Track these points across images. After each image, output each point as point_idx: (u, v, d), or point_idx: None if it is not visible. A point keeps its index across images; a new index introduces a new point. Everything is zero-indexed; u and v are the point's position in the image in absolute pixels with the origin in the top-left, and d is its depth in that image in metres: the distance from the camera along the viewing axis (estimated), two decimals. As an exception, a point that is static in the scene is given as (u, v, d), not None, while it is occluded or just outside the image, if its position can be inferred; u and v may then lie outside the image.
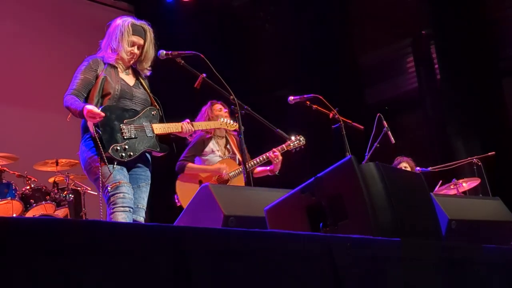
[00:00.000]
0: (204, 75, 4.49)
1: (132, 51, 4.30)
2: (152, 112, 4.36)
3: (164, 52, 4.34)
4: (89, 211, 6.86)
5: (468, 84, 9.76)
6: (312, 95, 5.43)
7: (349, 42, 11.83)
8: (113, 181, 3.98)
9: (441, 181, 7.36)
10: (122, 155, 4.07)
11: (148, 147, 4.23)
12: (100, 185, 3.98)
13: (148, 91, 4.39)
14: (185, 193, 5.55)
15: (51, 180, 6.91)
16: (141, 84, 4.41)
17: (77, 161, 6.95)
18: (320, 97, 5.40)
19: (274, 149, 5.49)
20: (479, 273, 3.14)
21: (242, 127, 4.27)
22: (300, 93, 5.58)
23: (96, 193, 7.03)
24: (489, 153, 7.43)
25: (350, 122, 5.52)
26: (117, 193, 3.92)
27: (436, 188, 7.22)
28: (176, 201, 5.60)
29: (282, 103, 6.16)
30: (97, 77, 4.20)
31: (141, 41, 4.33)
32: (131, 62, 4.36)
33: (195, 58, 4.42)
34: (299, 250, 2.24)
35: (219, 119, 5.22)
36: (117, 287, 1.68)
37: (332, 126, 5.45)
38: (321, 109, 5.42)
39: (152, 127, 4.27)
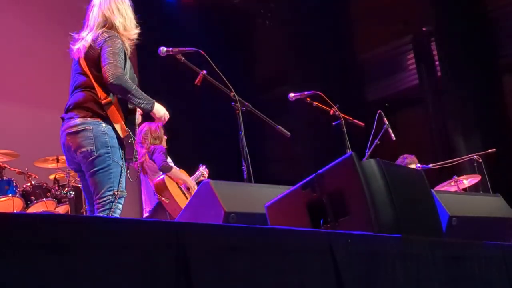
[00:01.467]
0: (204, 71, 4.49)
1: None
2: None
3: (165, 48, 4.33)
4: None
5: (468, 81, 9.76)
6: (312, 92, 5.43)
7: (350, 39, 11.83)
8: (122, 189, 3.73)
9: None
10: (135, 157, 3.90)
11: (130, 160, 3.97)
12: (101, 180, 3.69)
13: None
14: (175, 190, 5.86)
15: (51, 177, 6.91)
16: None
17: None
18: (321, 94, 5.40)
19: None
20: (479, 269, 3.15)
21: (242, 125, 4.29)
22: (300, 90, 5.58)
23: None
24: (490, 150, 7.44)
25: (351, 119, 5.52)
26: (120, 204, 3.67)
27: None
28: (163, 199, 5.70)
29: (282, 100, 6.16)
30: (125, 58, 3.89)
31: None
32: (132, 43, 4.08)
33: (196, 55, 4.42)
34: (299, 246, 2.24)
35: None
36: (119, 281, 1.69)
37: (333, 123, 5.44)
38: (322, 106, 5.42)
39: None
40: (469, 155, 7.55)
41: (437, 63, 10.86)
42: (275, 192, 3.45)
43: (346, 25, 11.81)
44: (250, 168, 4.15)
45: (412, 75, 11.60)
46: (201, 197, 3.35)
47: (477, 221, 4.10)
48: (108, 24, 3.91)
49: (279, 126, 4.58)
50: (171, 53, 4.35)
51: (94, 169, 3.70)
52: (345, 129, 5.31)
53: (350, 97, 10.31)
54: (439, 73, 10.86)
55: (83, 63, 3.89)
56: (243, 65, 11.50)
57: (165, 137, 6.24)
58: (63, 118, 3.88)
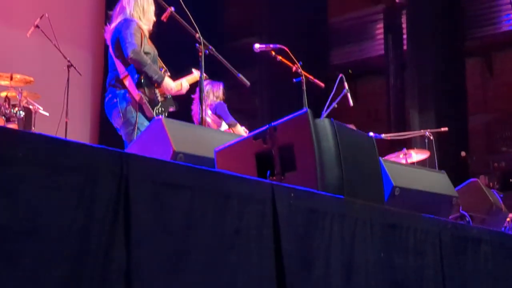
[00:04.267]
0: (172, 8, 4.42)
1: (153, 20, 4.82)
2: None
3: (137, -22, 4.26)
4: (38, 131, 6.75)
5: (432, 59, 9.87)
6: (278, 45, 5.40)
7: (323, 0, 11.78)
8: None
9: None
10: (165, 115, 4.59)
11: (170, 105, 4.77)
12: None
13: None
14: None
15: (3, 94, 6.75)
16: None
17: (32, 79, 6.81)
18: (286, 49, 5.37)
19: None
20: (414, 240, 3.22)
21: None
22: (267, 43, 5.55)
23: (48, 114, 6.92)
24: (442, 129, 7.58)
25: (312, 78, 5.52)
26: None
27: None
28: None
29: (247, 51, 6.12)
30: (141, 36, 4.65)
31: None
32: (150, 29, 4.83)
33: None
34: (241, 193, 2.25)
35: None
36: (55, 203, 1.67)
37: (294, 80, 5.44)
38: (285, 60, 5.40)
39: None
40: (422, 131, 7.69)
41: (404, 36, 10.93)
42: (227, 138, 3.45)
43: (322, -15, 11.74)
44: (204, 112, 4.14)
45: (378, 45, 11.67)
46: (152, 133, 3.32)
47: (419, 194, 4.19)
48: (125, 14, 4.70)
49: (240, 75, 4.56)
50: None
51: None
52: (305, 87, 5.32)
53: (315, 58, 10.31)
54: (405, 47, 10.94)
55: (110, 48, 4.73)
56: (212, 10, 11.34)
57: (223, 97, 6.81)
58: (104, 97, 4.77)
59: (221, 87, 6.79)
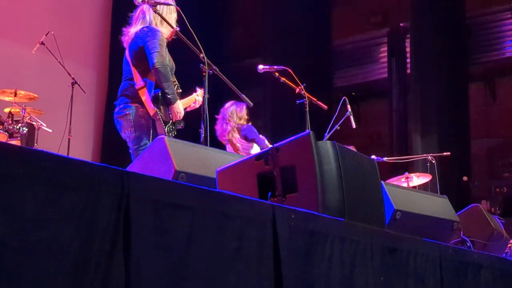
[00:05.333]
0: (177, 28, 4.45)
1: (175, 29, 4.59)
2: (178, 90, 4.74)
3: (141, -4, 4.29)
4: (41, 147, 6.76)
5: (435, 83, 9.88)
6: (282, 67, 5.42)
7: (327, 23, 11.84)
8: None
9: None
10: (174, 134, 4.51)
11: (178, 123, 4.64)
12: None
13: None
14: None
15: (6, 110, 6.78)
16: None
17: (36, 96, 6.84)
18: (290, 70, 5.39)
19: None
20: (415, 264, 3.21)
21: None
22: (271, 64, 5.57)
23: (51, 131, 6.94)
24: (445, 153, 7.59)
25: (315, 100, 5.53)
26: None
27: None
28: None
29: (251, 72, 6.14)
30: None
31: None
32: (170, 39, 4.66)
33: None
34: (242, 213, 2.25)
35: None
36: (55, 218, 1.67)
37: (297, 101, 5.45)
38: (289, 82, 5.42)
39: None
40: (424, 155, 7.69)
41: (408, 60, 10.96)
42: (229, 159, 3.46)
43: (326, 8, 11.81)
44: (208, 132, 4.14)
45: (382, 68, 11.71)
46: (154, 152, 3.32)
47: (420, 219, 4.17)
48: (145, 20, 4.54)
49: (243, 95, 4.57)
50: (146, 2, 4.30)
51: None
52: (308, 108, 5.33)
53: (318, 79, 10.36)
54: (408, 71, 10.97)
55: (127, 54, 4.58)
56: (218, 31, 11.41)
57: (247, 118, 6.70)
58: (115, 105, 4.61)
59: (245, 108, 6.71)
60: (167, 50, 4.54)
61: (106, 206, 1.82)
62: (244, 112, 6.68)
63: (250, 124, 6.67)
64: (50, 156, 1.68)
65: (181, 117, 4.56)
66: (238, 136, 6.53)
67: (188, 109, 4.84)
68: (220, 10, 11.86)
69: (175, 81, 4.69)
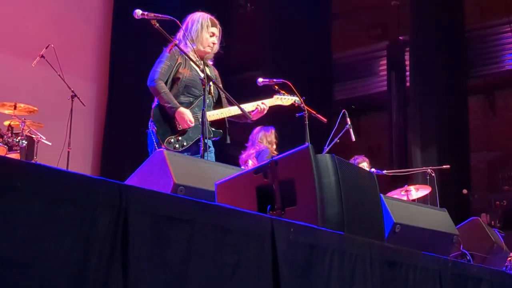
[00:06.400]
0: (177, 41, 4.46)
1: (213, 42, 4.72)
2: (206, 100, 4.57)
3: (140, 11, 4.27)
4: (40, 160, 6.77)
5: (435, 96, 9.89)
6: (281, 80, 5.42)
7: (327, 36, 11.86)
8: None
9: None
10: (175, 146, 4.44)
11: (216, 135, 4.64)
12: None
13: (213, 79, 4.56)
14: None
15: (6, 123, 6.78)
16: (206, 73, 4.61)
17: (36, 109, 6.84)
18: (289, 83, 5.39)
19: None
20: (414, 278, 3.20)
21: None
22: (270, 77, 5.57)
23: (50, 144, 6.94)
24: (444, 166, 7.59)
25: (315, 113, 5.52)
26: None
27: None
28: None
29: (251, 85, 6.15)
30: (175, 63, 4.56)
31: (217, 33, 4.77)
32: (208, 52, 4.73)
33: (170, 24, 4.37)
34: (241, 227, 2.24)
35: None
36: (54, 232, 1.66)
37: (296, 114, 5.45)
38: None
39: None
40: (423, 168, 7.69)
41: (407, 73, 10.98)
42: (228, 172, 3.45)
43: (326, 21, 11.84)
44: (207, 145, 4.14)
45: (382, 81, 11.73)
46: (153, 165, 3.32)
47: (419, 232, 4.16)
48: (176, 35, 4.57)
49: (242, 108, 4.57)
50: (146, 17, 4.30)
51: None
52: (307, 121, 5.32)
53: (318, 92, 10.36)
54: (408, 84, 10.99)
55: None
56: (218, 43, 11.41)
57: (276, 141, 6.84)
58: None
59: (273, 131, 6.78)
60: (189, 62, 4.56)
61: (105, 219, 1.81)
62: (273, 136, 6.80)
63: (266, 148, 6.71)
64: (48, 170, 1.68)
65: (190, 125, 4.46)
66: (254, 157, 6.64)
67: (254, 117, 4.84)
68: (220, 23, 11.90)
69: (210, 92, 4.66)
